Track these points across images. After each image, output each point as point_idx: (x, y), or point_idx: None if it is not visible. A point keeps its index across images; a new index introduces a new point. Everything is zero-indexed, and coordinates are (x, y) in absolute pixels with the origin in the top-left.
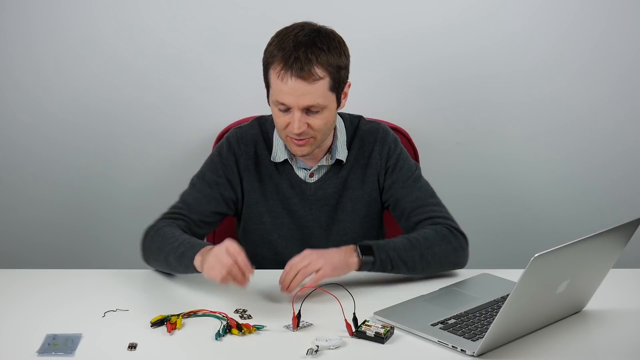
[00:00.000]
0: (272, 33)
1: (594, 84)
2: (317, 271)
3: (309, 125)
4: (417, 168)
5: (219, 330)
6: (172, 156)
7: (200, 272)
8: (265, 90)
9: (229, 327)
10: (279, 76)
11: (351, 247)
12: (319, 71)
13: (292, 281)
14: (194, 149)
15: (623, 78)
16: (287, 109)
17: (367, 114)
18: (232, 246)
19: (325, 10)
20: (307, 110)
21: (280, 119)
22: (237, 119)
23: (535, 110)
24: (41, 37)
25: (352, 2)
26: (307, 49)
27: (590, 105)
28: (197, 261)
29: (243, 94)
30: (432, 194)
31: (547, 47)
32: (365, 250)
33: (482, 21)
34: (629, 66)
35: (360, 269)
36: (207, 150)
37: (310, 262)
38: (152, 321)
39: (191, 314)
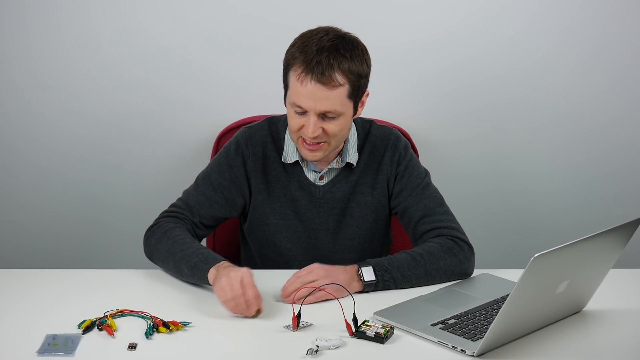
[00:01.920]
0: (272, 33)
1: (594, 84)
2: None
3: (323, 130)
4: (427, 175)
5: (147, 330)
6: (172, 156)
7: (210, 285)
8: (270, 90)
9: (156, 326)
10: (298, 79)
11: (354, 268)
12: (339, 78)
13: (294, 292)
14: (194, 149)
15: (623, 78)
16: (303, 112)
17: (367, 114)
18: (246, 277)
19: (325, 10)
20: (323, 116)
21: (294, 121)
22: (237, 120)
23: (536, 111)
24: (39, 40)
25: (352, 3)
26: (329, 54)
27: (592, 106)
28: (211, 274)
29: (243, 95)
30: (440, 202)
31: (546, 47)
32: (367, 273)
33: (482, 22)
34: (628, 65)
35: (363, 291)
36: (207, 150)
37: (317, 279)
38: (83, 327)
39: (118, 313)
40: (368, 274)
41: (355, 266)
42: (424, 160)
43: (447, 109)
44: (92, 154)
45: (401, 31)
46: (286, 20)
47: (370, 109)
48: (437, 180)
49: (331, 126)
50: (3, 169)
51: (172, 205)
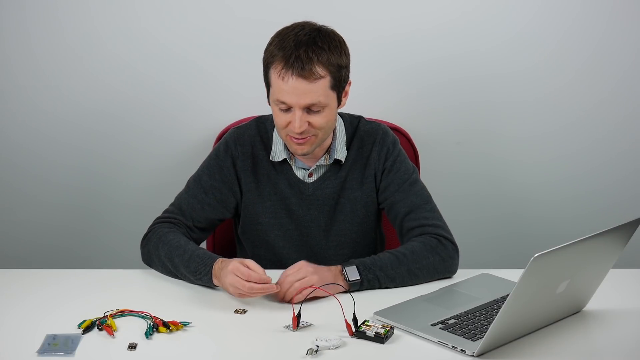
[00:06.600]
0: (271, 34)
1: (593, 84)
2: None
3: (310, 123)
4: (415, 171)
5: (147, 330)
6: (172, 156)
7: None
8: (265, 90)
9: (156, 326)
10: (279, 75)
11: (338, 268)
12: (319, 70)
13: (289, 292)
14: (194, 148)
15: (622, 79)
16: (288, 108)
17: (368, 114)
18: (239, 269)
19: (326, 10)
20: (308, 109)
21: (280, 118)
22: (236, 119)
23: (535, 111)
24: (40, 38)
25: (353, 3)
26: (307, 48)
27: (590, 105)
28: (215, 281)
29: (243, 94)
30: (426, 199)
31: (547, 47)
32: (351, 272)
33: (483, 22)
34: (628, 67)
35: (348, 291)
36: (206, 150)
37: (305, 276)
38: (83, 327)
39: (118, 313)
40: (352, 273)
41: (339, 266)
42: (424, 160)
43: (447, 109)
44: (92, 155)
45: (402, 31)
46: (287, 21)
47: (370, 109)
48: (437, 181)
49: (317, 119)
50: (3, 167)
51: (165, 211)
